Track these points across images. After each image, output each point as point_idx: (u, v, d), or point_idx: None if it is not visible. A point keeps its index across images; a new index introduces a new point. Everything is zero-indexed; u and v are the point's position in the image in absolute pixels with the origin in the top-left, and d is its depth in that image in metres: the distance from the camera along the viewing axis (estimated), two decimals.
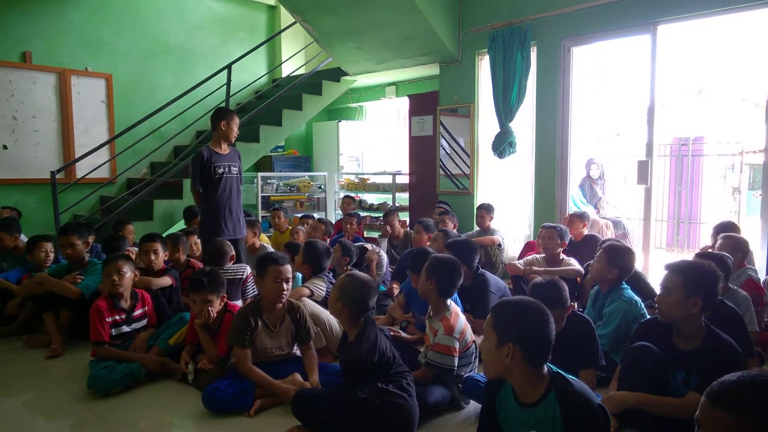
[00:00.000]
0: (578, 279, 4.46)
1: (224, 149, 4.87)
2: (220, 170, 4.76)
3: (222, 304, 3.39)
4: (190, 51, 8.36)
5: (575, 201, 6.64)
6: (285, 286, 3.12)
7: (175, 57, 8.21)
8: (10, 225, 4.84)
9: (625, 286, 3.38)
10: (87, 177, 6.71)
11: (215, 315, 3.32)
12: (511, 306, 2.01)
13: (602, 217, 6.71)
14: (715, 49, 8.03)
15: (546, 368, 1.96)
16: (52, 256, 4.45)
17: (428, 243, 4.97)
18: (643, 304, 3.35)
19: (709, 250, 3.99)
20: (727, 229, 4.30)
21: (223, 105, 7.16)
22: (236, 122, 4.88)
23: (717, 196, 8.12)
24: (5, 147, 6.80)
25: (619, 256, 3.36)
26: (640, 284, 3.88)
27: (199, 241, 5.05)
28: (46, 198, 6.44)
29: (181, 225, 6.46)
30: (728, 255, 3.45)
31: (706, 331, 2.45)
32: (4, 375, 3.55)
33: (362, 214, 7.58)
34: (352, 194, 7.85)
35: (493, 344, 1.94)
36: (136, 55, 7.82)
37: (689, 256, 3.53)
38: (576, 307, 4.02)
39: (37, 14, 6.93)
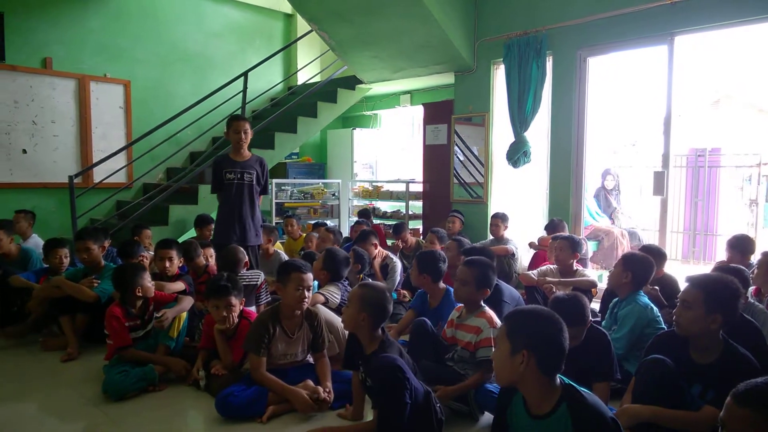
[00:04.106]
0: (593, 290, 4.43)
1: (243, 156, 4.87)
2: (230, 176, 4.81)
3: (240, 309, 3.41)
4: (207, 58, 8.45)
5: (590, 211, 6.60)
6: (306, 293, 3.14)
7: (192, 64, 8.30)
8: (9, 226, 4.87)
9: (642, 294, 3.41)
10: (104, 182, 6.78)
11: (236, 320, 3.35)
12: (525, 314, 2.02)
13: (617, 227, 6.67)
14: (732, 60, 7.98)
15: (558, 380, 1.95)
16: (67, 260, 4.49)
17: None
18: (659, 311, 3.35)
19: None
20: (741, 242, 4.18)
21: (239, 112, 7.24)
22: (236, 128, 4.75)
23: (734, 208, 8.03)
24: (25, 151, 6.91)
25: (633, 262, 3.41)
26: (667, 289, 3.86)
27: (213, 252, 4.91)
28: (64, 202, 6.50)
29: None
30: (745, 268, 3.40)
31: (724, 344, 2.42)
32: (19, 377, 3.59)
33: (375, 221, 7.58)
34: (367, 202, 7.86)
35: (507, 352, 1.93)
36: (154, 61, 7.92)
37: (706, 269, 3.50)
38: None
39: (58, 21, 7.06)
